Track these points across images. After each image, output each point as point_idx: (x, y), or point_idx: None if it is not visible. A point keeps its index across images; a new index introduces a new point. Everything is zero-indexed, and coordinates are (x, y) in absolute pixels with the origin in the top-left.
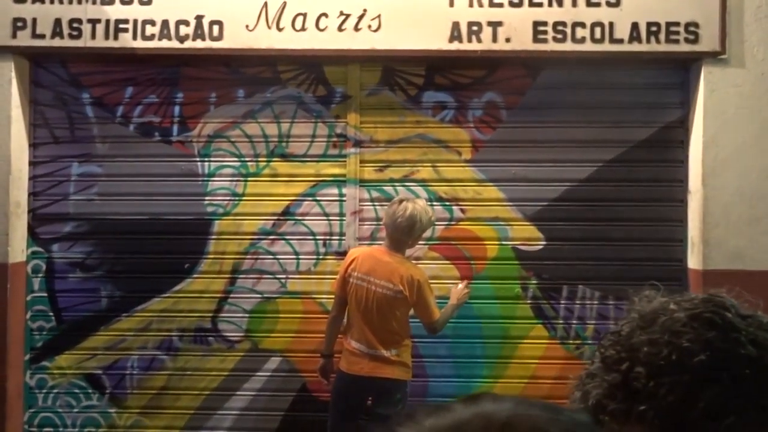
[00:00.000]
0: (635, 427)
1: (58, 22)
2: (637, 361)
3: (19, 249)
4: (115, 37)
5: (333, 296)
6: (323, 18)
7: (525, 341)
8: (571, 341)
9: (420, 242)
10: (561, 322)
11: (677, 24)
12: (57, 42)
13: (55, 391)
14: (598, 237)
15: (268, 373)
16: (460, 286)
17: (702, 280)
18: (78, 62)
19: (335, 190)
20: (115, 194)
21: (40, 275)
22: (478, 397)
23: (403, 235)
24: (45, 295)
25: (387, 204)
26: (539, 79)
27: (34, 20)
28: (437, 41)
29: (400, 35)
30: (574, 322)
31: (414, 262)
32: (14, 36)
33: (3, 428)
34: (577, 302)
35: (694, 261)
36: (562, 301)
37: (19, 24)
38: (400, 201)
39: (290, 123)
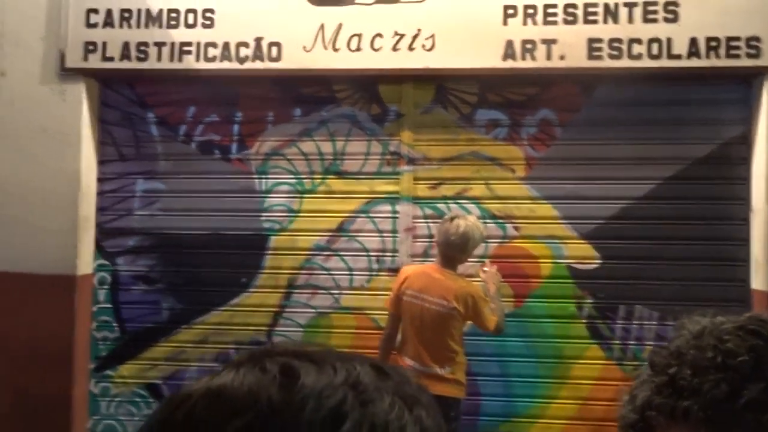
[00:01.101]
0: (681, 425)
1: (126, 45)
2: (684, 364)
3: (86, 262)
4: (180, 59)
5: (386, 312)
6: (378, 38)
7: (580, 361)
8: (628, 362)
9: (471, 259)
10: (618, 342)
11: (738, 39)
12: (125, 64)
13: (118, 399)
14: (656, 256)
15: None
16: (487, 269)
17: (767, 302)
18: (144, 83)
19: (389, 207)
20: (177, 210)
21: (106, 287)
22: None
23: (456, 252)
24: (110, 306)
25: (440, 221)
26: (594, 95)
27: (104, 44)
28: (491, 59)
29: (454, 54)
30: (632, 342)
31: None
32: (86, 59)
33: None
34: (635, 323)
35: (758, 281)
36: (619, 321)
37: (90, 47)
38: (452, 218)
39: (345, 141)
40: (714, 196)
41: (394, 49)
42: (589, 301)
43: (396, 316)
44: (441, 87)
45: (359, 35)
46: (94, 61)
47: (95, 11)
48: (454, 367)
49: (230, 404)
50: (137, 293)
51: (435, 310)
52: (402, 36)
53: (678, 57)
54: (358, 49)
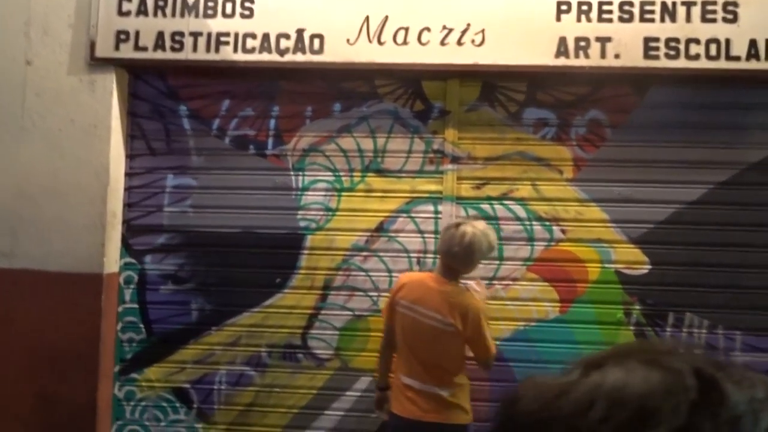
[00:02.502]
0: None
1: (160, 35)
2: None
3: (113, 260)
4: (216, 50)
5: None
6: (425, 32)
7: None
8: None
9: (518, 263)
10: None
11: None
12: (159, 54)
13: (143, 403)
14: (708, 262)
15: (358, 393)
16: (475, 286)
17: None
18: (177, 75)
19: (431, 207)
20: (209, 207)
21: (132, 287)
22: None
23: (458, 264)
24: (136, 306)
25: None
26: (647, 97)
27: (137, 33)
28: (543, 57)
29: (504, 50)
30: None
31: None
32: (117, 48)
33: None
34: (684, 330)
35: None
36: (668, 329)
37: (122, 36)
38: (457, 225)
39: (386, 138)
40: (766, 202)
41: (442, 43)
42: (637, 307)
43: (391, 327)
44: (488, 84)
45: (406, 29)
46: (126, 51)
47: None
48: (455, 390)
49: (644, 405)
50: (165, 293)
51: (428, 324)
52: (450, 30)
53: (737, 59)
54: (405, 42)
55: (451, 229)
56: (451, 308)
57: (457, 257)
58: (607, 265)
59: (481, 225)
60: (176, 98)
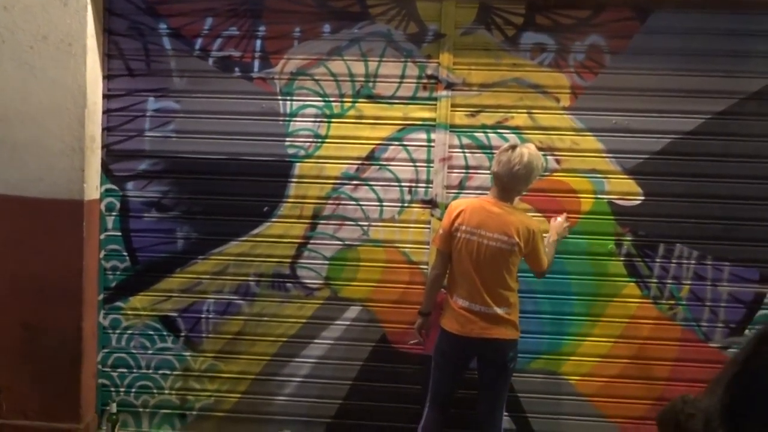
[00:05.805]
0: None
1: None
2: None
3: (93, 186)
4: None
5: (418, 246)
6: None
7: (616, 299)
8: (664, 301)
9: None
10: (655, 281)
11: None
12: None
13: (129, 332)
14: (702, 194)
15: (347, 322)
16: (560, 219)
17: None
18: None
19: (423, 135)
20: (193, 132)
21: (114, 214)
22: None
23: (519, 183)
24: (119, 234)
25: (477, 151)
26: (648, 22)
27: None
28: None
29: None
30: (669, 281)
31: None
32: None
33: (78, 367)
34: (674, 261)
35: None
36: (658, 260)
37: None
38: (512, 147)
39: (378, 62)
40: (765, 134)
41: None
42: (628, 238)
43: (446, 254)
44: (485, 6)
45: None
46: None
47: None
48: (510, 308)
49: None
50: (149, 221)
51: (495, 246)
52: None
53: None
54: None
55: (507, 152)
56: (516, 229)
57: (518, 177)
58: (600, 196)
59: (531, 146)
60: (155, 15)
